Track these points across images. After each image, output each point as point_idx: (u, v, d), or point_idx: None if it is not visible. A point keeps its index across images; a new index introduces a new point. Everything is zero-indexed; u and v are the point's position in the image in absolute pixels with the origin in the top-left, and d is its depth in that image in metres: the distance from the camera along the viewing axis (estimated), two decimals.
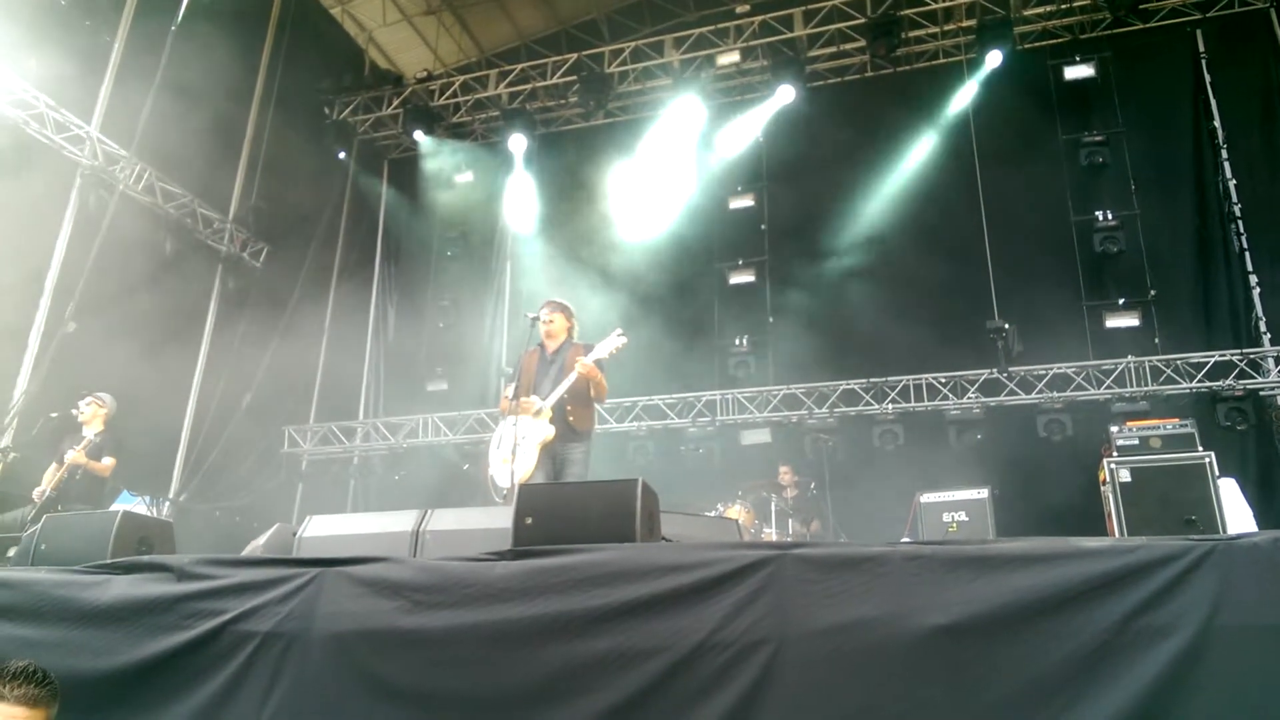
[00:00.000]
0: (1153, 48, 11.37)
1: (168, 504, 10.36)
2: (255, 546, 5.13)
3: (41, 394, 8.83)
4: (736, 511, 8.86)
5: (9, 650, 3.57)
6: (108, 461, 7.37)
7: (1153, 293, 10.48)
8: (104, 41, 10.19)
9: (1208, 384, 9.79)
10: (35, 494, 7.18)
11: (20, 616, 3.95)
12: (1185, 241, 10.68)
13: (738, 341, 11.70)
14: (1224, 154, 10.49)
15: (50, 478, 7.21)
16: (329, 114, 13.82)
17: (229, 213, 11.96)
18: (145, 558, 4.23)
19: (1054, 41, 11.73)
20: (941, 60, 12.18)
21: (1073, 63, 11.25)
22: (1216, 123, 10.64)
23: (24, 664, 2.47)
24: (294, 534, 4.62)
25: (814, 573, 3.30)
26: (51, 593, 3.99)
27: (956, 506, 7.08)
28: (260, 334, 11.97)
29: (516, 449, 5.68)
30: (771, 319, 11.81)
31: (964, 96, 11.55)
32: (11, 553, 7.41)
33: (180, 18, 10.53)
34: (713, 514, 8.51)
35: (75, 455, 7.16)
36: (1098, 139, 10.96)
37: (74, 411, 7.51)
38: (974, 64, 11.57)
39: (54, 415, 7.69)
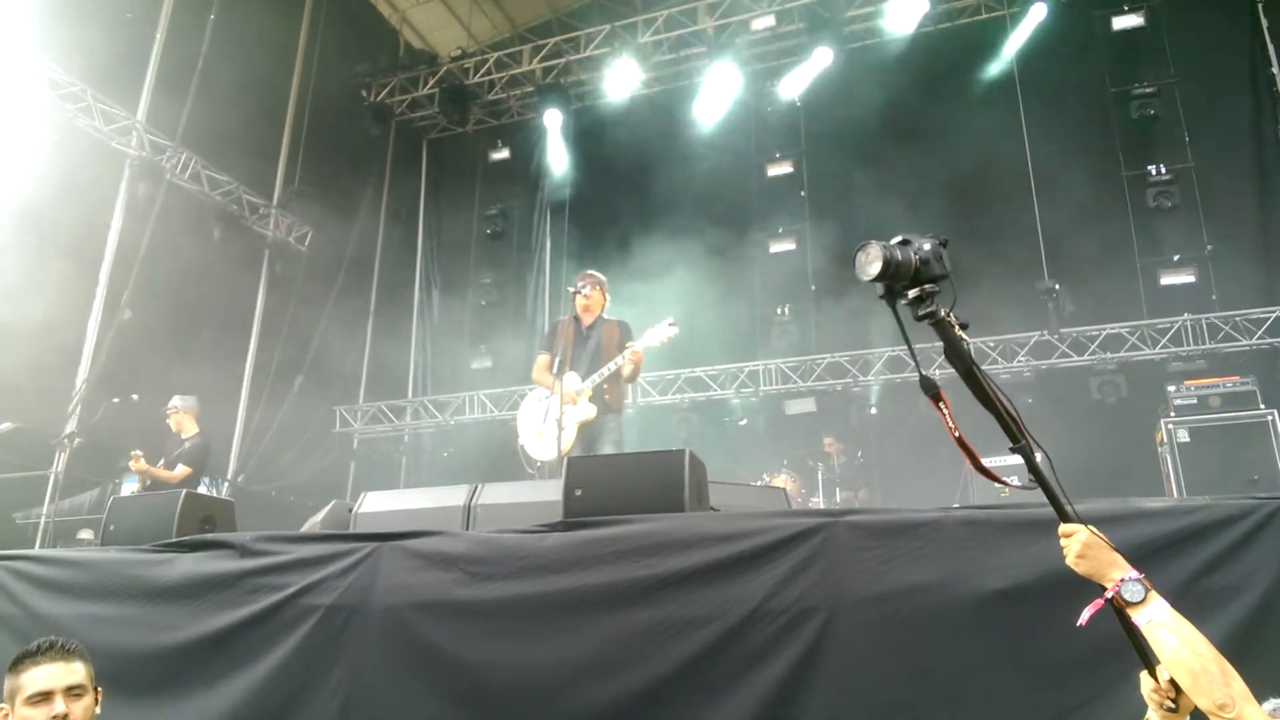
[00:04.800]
0: None
1: (226, 485, 10.59)
2: (314, 523, 5.22)
3: (101, 381, 9.06)
4: (782, 481, 8.86)
5: (81, 627, 3.70)
6: (180, 470, 7.39)
7: (1209, 248, 10.17)
8: (145, 33, 10.33)
9: (1268, 340, 9.50)
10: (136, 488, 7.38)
11: (91, 594, 4.09)
12: (1242, 194, 10.32)
13: (779, 310, 11.63)
14: None
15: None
16: (366, 96, 13.86)
17: (273, 198, 12.12)
18: (209, 535, 4.34)
19: None
20: (983, 16, 11.86)
21: (1120, 12, 10.87)
22: (1275, 69, 10.21)
23: (41, 639, 2.65)
24: (350, 510, 4.69)
25: (866, 539, 3.28)
26: (120, 571, 4.12)
27: (1009, 471, 6.98)
28: (308, 316, 12.17)
29: (561, 426, 5.73)
30: (813, 286, 11.68)
31: (1007, 52, 11.25)
32: (81, 534, 7.69)
33: (217, 7, 10.74)
34: (759, 484, 8.52)
35: (135, 462, 7.21)
36: (1149, 90, 10.60)
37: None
38: (1017, 18, 11.27)
39: (115, 400, 7.89)
